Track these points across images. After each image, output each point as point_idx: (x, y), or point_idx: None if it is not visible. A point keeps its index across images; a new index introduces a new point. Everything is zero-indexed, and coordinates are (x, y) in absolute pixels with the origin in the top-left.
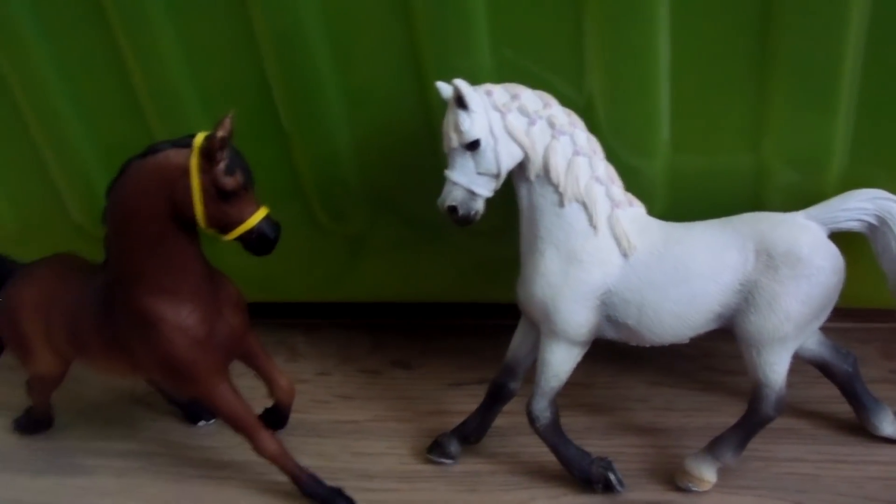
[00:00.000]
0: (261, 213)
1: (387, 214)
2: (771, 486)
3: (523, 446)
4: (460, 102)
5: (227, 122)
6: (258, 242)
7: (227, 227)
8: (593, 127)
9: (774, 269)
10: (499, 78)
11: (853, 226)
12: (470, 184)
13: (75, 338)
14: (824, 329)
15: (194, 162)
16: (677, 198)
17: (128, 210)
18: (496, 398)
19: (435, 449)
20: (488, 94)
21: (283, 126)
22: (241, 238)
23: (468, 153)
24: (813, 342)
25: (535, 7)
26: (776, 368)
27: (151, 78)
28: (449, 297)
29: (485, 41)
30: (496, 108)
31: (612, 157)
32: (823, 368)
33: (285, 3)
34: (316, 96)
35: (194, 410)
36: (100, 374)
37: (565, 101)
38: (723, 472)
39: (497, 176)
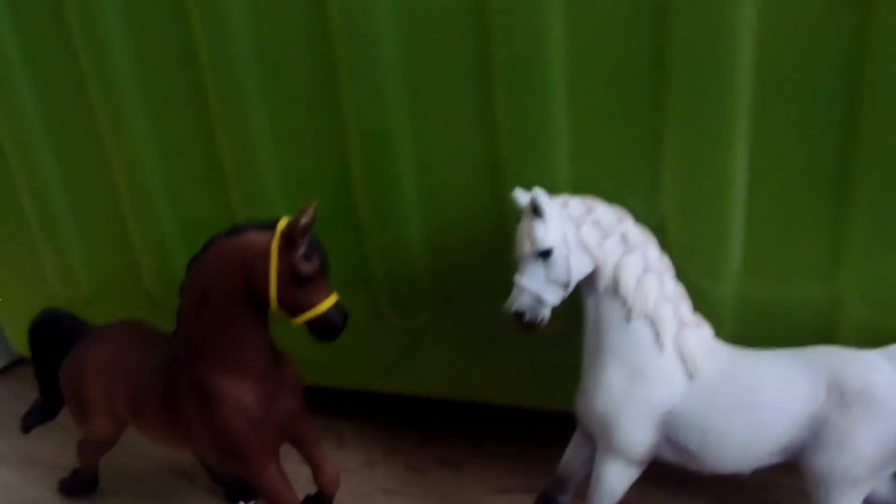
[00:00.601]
0: (331, 300)
1: (449, 313)
2: None
3: None
4: (536, 211)
5: (311, 211)
6: (325, 328)
7: (297, 311)
8: (664, 246)
9: (847, 407)
10: (574, 191)
11: None
12: (539, 291)
13: (135, 404)
14: None
15: (275, 245)
16: (745, 324)
17: (206, 285)
18: None
19: None
20: (564, 205)
21: (359, 217)
22: (309, 322)
23: (540, 261)
24: (886, 488)
25: (616, 125)
26: None
27: (240, 160)
28: (502, 400)
29: (564, 155)
30: (571, 220)
31: (681, 277)
32: None
33: (376, 103)
34: (394, 192)
35: (236, 490)
36: (153, 443)
37: (639, 219)
38: None
39: (567, 285)
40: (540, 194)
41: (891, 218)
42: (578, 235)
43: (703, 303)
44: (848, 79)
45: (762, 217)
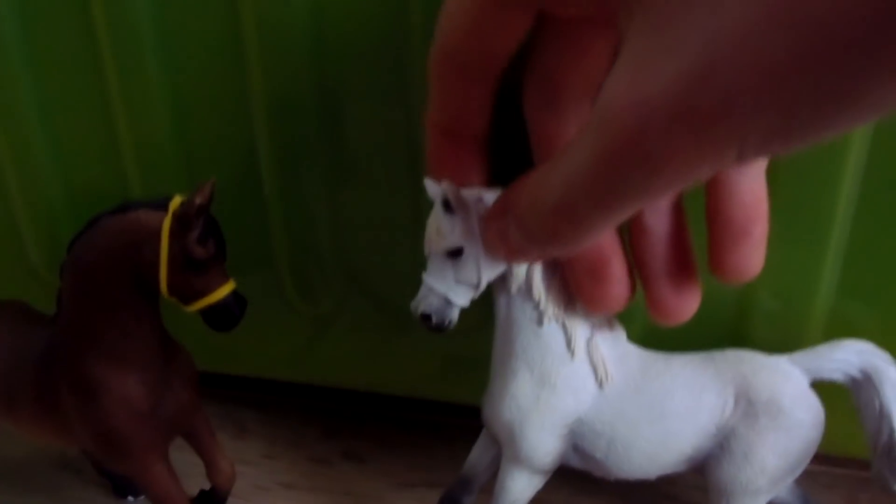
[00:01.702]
0: (228, 287)
1: (357, 300)
2: None
3: None
4: (447, 206)
5: (207, 189)
6: (221, 317)
7: (190, 298)
8: None
9: (754, 418)
10: None
11: (837, 377)
12: (447, 291)
13: (6, 394)
14: None
15: (166, 226)
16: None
17: (89, 267)
18: None
19: None
20: (478, 200)
21: (263, 193)
22: (204, 311)
23: (448, 259)
24: (785, 492)
25: None
26: None
27: (136, 126)
28: (409, 392)
29: None
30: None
31: None
32: None
33: (284, 65)
34: (302, 165)
35: (123, 485)
36: (25, 436)
37: None
38: None
39: (477, 287)
40: (451, 188)
41: (794, 212)
42: None
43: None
44: None
45: None
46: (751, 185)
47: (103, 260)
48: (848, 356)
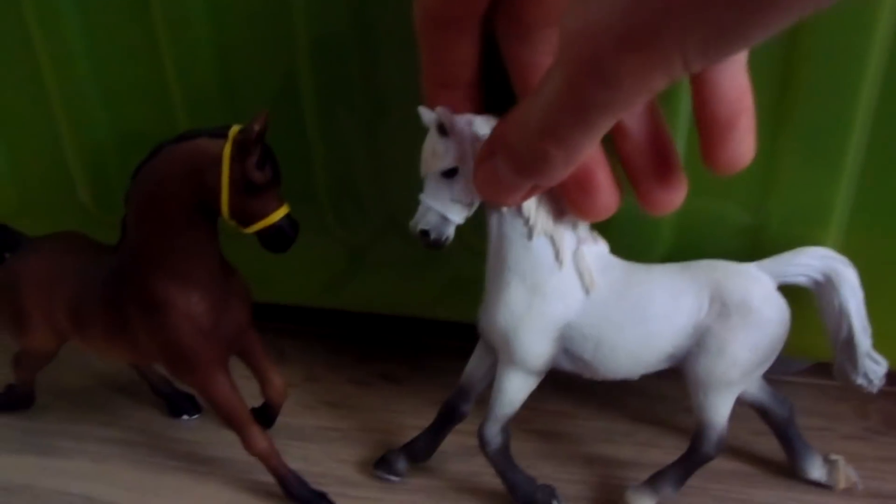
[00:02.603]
0: (283, 211)
1: (392, 230)
2: None
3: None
4: (441, 129)
5: (263, 118)
6: (277, 238)
7: (248, 220)
8: None
9: (726, 317)
10: None
11: (800, 280)
12: (443, 209)
13: (77, 315)
14: (802, 385)
15: (227, 152)
16: (679, 240)
17: (154, 192)
18: (447, 419)
19: (382, 465)
20: (469, 123)
21: (306, 130)
22: (261, 232)
23: (444, 180)
24: (754, 388)
25: None
26: (720, 410)
27: (183, 67)
28: (442, 316)
29: None
30: (477, 138)
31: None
32: (762, 412)
33: (324, 6)
34: (343, 103)
35: (178, 404)
36: (97, 355)
37: None
38: None
39: (471, 204)
40: (444, 112)
41: (817, 140)
42: None
43: (643, 221)
44: None
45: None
46: (731, 81)
47: (167, 185)
48: (810, 261)
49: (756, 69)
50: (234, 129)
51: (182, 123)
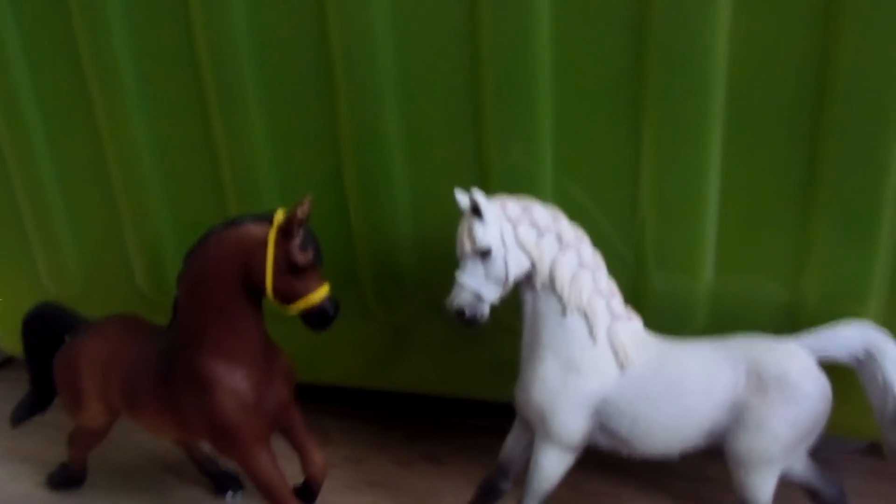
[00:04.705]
0: (324, 290)
1: (433, 312)
2: None
3: None
4: (476, 212)
5: (307, 203)
6: (318, 317)
7: (291, 300)
8: (642, 245)
9: (764, 392)
10: (557, 186)
11: (842, 356)
12: (478, 288)
13: (130, 394)
14: (855, 466)
15: (272, 235)
16: (715, 318)
17: (203, 274)
18: (486, 497)
19: None
20: (503, 206)
21: (349, 216)
22: (303, 311)
23: (479, 260)
24: (801, 467)
25: (598, 128)
26: (763, 488)
27: (236, 160)
28: (483, 396)
29: (547, 156)
30: (509, 220)
31: (658, 274)
32: (811, 494)
33: (370, 104)
34: (384, 192)
35: (223, 482)
36: (147, 431)
37: (618, 222)
38: None
39: (505, 283)
40: (479, 195)
41: (849, 217)
42: (516, 235)
43: (677, 298)
44: (812, 87)
45: (734, 218)
46: None
47: (216, 267)
48: (850, 335)
49: (784, 146)
50: (279, 213)
51: (234, 211)
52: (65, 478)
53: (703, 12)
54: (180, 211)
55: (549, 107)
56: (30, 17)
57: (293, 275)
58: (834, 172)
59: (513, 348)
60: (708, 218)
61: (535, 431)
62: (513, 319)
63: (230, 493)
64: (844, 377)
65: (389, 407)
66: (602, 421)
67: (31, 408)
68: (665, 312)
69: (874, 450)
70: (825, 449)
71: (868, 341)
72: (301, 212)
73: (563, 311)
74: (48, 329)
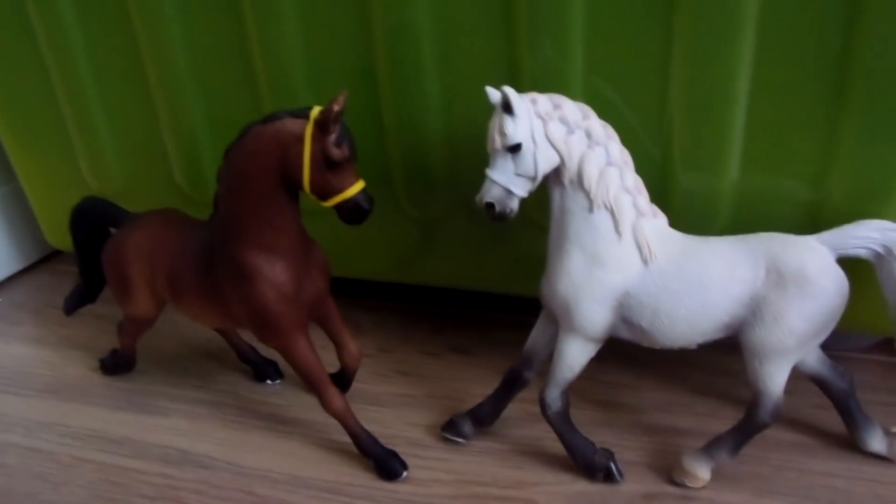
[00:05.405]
0: (359, 185)
1: (463, 208)
2: (804, 496)
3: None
4: (507, 108)
5: (342, 99)
6: (353, 212)
7: (327, 194)
8: (668, 147)
9: (783, 287)
10: (587, 85)
11: (861, 253)
12: (508, 183)
13: (175, 284)
14: (866, 360)
15: (309, 131)
16: (739, 215)
17: (242, 169)
18: (511, 385)
19: (449, 427)
20: (533, 102)
21: (381, 115)
22: (339, 206)
23: (509, 155)
24: (813, 359)
25: (629, 25)
26: (776, 379)
27: (270, 57)
28: (508, 290)
29: (578, 51)
30: (539, 116)
31: (683, 176)
32: (821, 384)
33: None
34: (415, 90)
35: (263, 370)
36: (191, 320)
37: (646, 118)
38: (753, 478)
39: (534, 179)
40: (510, 91)
41: (879, 113)
42: (545, 131)
43: (703, 196)
44: None
45: (763, 116)
46: None
47: (255, 161)
48: (871, 233)
49: (816, 42)
50: (315, 109)
51: (268, 108)
52: (116, 363)
53: None
54: (215, 109)
55: (580, 2)
56: None
57: (329, 170)
58: (865, 68)
59: (538, 244)
60: (737, 117)
61: (559, 324)
62: (539, 216)
63: (269, 380)
64: (861, 273)
65: (417, 300)
66: (624, 313)
67: (81, 297)
68: (690, 210)
69: (886, 346)
70: (837, 344)
71: (888, 238)
72: (337, 107)
73: (590, 208)
74: (94, 222)
